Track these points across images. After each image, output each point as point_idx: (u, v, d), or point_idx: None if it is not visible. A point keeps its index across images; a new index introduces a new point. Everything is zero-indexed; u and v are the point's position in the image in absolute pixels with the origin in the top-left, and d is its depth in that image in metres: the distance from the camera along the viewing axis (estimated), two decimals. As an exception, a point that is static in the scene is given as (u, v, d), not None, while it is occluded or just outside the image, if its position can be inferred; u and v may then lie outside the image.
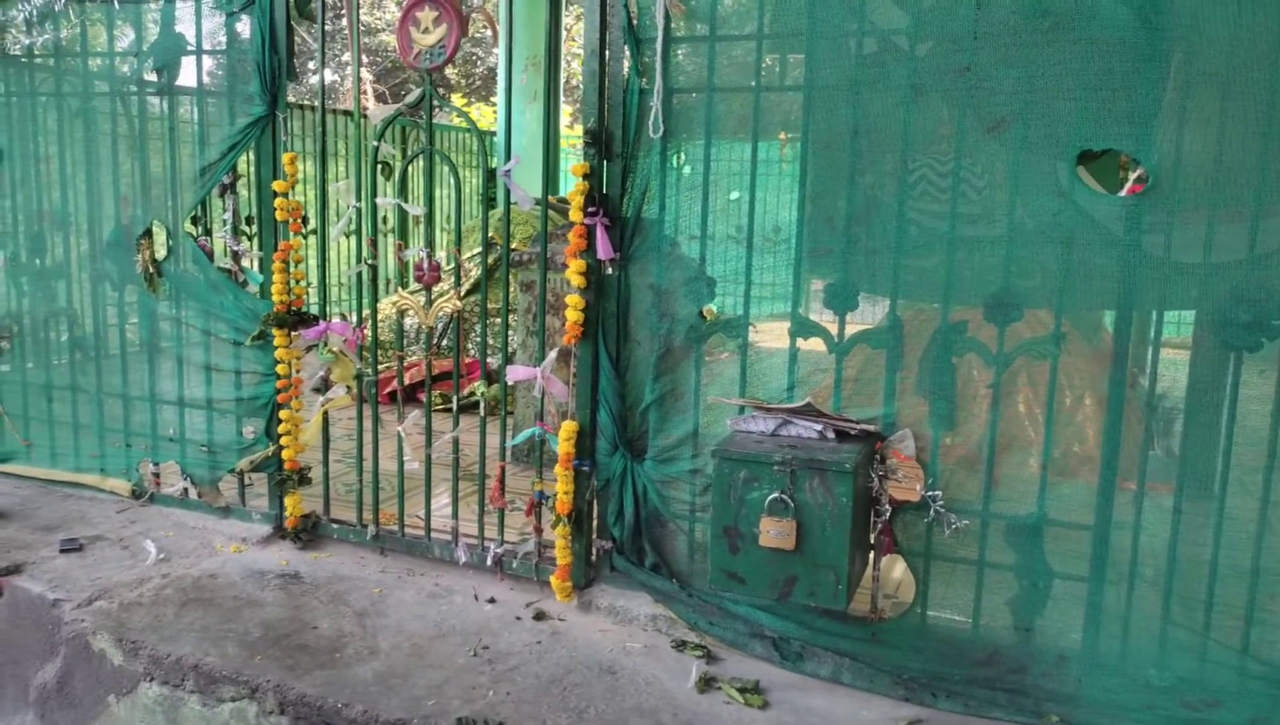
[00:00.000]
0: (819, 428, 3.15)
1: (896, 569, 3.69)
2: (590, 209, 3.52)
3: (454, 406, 3.97)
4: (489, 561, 3.94)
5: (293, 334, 4.18)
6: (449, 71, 24.30)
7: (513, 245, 6.76)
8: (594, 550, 3.79)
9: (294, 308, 4.19)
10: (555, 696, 3.14)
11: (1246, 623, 2.94)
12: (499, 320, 5.43)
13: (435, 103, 3.91)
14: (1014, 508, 3.17)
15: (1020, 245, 3.04)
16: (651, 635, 3.57)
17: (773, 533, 2.99)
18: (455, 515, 4.05)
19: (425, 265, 3.91)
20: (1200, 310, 2.92)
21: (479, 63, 23.18)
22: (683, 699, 3.15)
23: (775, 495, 2.99)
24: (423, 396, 4.29)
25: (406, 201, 4.01)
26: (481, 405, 3.93)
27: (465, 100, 18.97)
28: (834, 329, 3.31)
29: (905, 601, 3.41)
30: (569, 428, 3.63)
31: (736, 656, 3.43)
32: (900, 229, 3.17)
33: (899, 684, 3.20)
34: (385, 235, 7.31)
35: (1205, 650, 2.99)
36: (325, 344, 4.11)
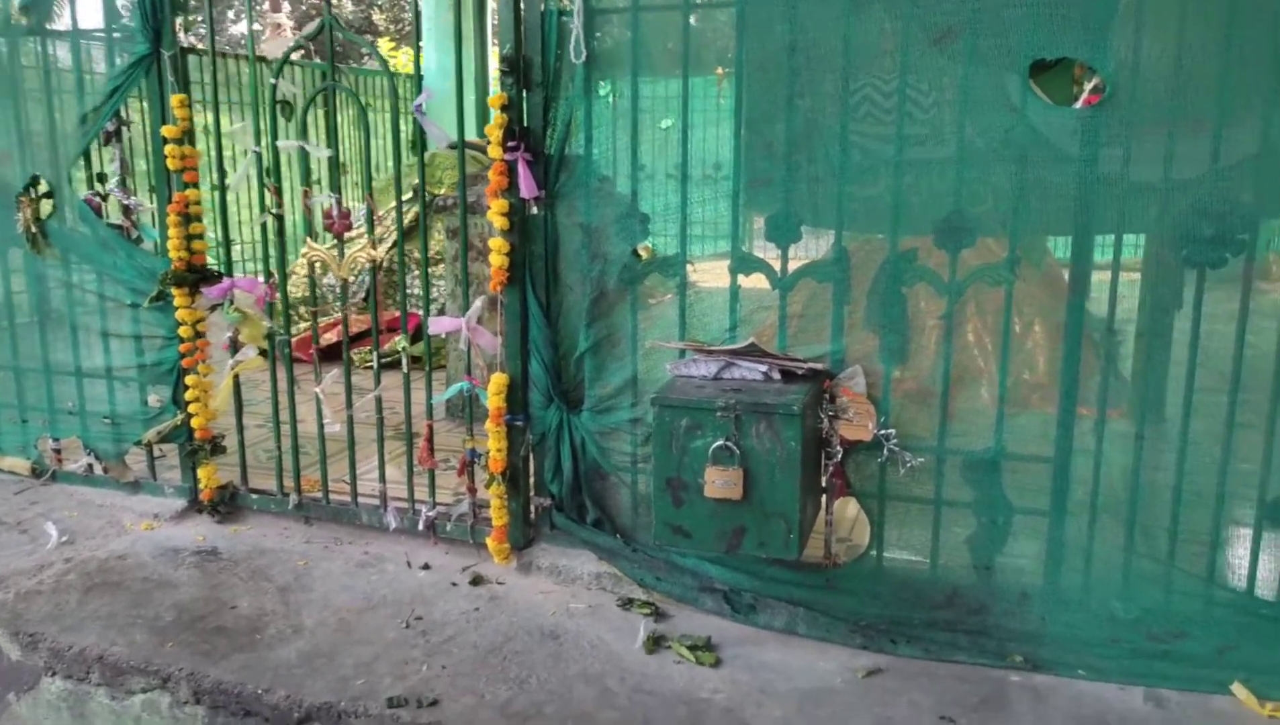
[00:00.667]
0: (764, 369, 2.96)
1: (850, 512, 3.55)
2: (510, 144, 3.25)
3: (375, 363, 3.70)
4: (421, 526, 3.71)
5: (195, 293, 3.85)
6: (376, 18, 23.40)
7: (441, 191, 6.42)
8: (532, 508, 3.58)
9: (194, 265, 3.85)
10: (494, 667, 2.94)
11: (1212, 549, 2.84)
12: (430, 270, 5.11)
13: (337, 33, 3.57)
14: (970, 442, 3.02)
15: (971, 166, 2.85)
16: (596, 594, 3.38)
17: (718, 482, 2.80)
18: (383, 478, 3.80)
19: (335, 213, 3.61)
20: (1161, 226, 2.77)
21: (406, 8, 22.33)
22: (630, 661, 2.97)
23: (719, 443, 2.80)
24: (350, 354, 4.01)
25: (312, 144, 3.68)
26: (404, 361, 3.67)
27: (394, 45, 18.26)
28: (777, 264, 3.10)
29: (860, 545, 3.26)
30: (499, 381, 3.39)
31: (686, 612, 3.26)
32: (844, 154, 2.96)
33: (856, 632, 3.06)
34: (311, 186, 6.90)
35: (1170, 580, 2.89)
36: (231, 303, 3.79)
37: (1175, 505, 2.85)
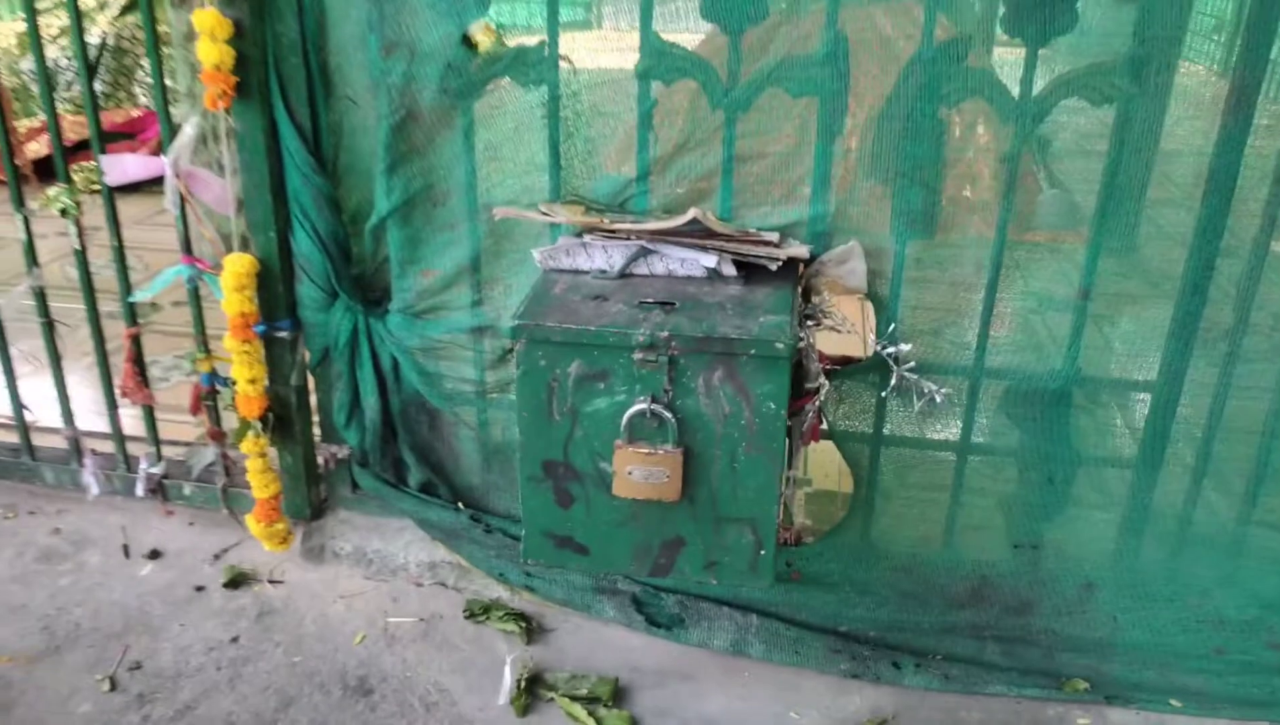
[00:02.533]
0: (708, 259, 1.67)
1: (823, 463, 2.41)
2: None
3: (25, 225, 2.18)
4: (141, 489, 2.34)
5: None
6: None
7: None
8: (321, 461, 2.27)
9: None
10: (258, 783, 1.73)
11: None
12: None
13: None
14: (1028, 360, 1.88)
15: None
16: (430, 597, 2.17)
17: (638, 473, 1.57)
18: (67, 415, 2.37)
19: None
20: None
21: None
22: (493, 737, 1.82)
23: (640, 406, 1.54)
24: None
25: None
26: (74, 232, 2.17)
27: None
28: (720, 59, 1.75)
29: (836, 513, 2.15)
30: (239, 266, 1.97)
31: (574, 625, 2.10)
32: None
33: (839, 650, 1.99)
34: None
35: (1299, 558, 1.93)
36: None
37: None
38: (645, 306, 1.58)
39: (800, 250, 1.72)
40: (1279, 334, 1.80)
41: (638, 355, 1.52)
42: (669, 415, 1.54)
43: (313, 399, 2.21)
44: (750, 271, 1.71)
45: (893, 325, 1.86)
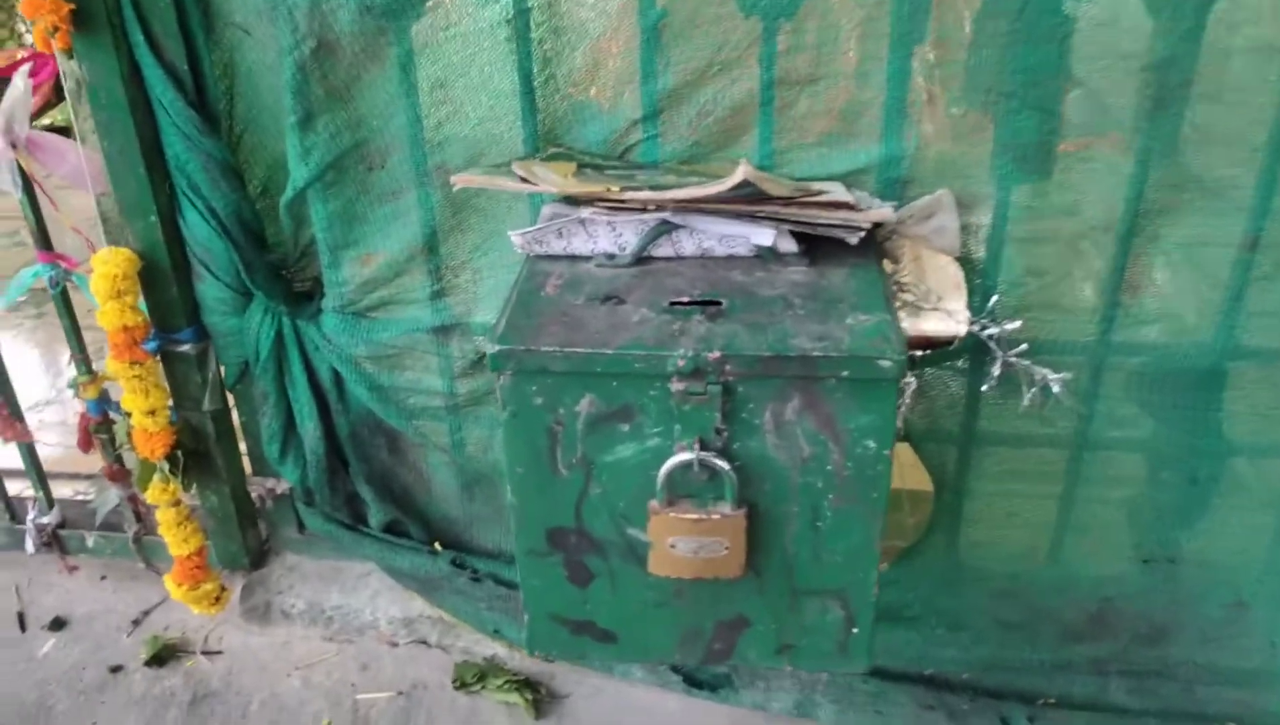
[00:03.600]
0: (763, 235, 1.18)
1: (898, 467, 1.96)
2: None
3: None
4: (30, 544, 1.87)
5: None
6: None
7: None
8: (256, 497, 1.80)
9: None
10: None
11: None
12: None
13: None
14: (1167, 334, 1.43)
15: None
16: (408, 661, 1.73)
17: (685, 547, 1.12)
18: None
19: None
20: None
21: None
22: None
23: (684, 456, 1.07)
24: None
25: None
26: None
27: None
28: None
29: (914, 527, 1.71)
30: (113, 262, 1.46)
31: (591, 685, 1.67)
32: None
33: (933, 707, 1.58)
34: None
35: None
36: None
37: None
38: (679, 310, 1.11)
39: (884, 211, 1.24)
40: None
41: (677, 385, 1.04)
42: (725, 465, 1.07)
43: (239, 421, 1.73)
44: (812, 242, 1.23)
45: (994, 297, 1.40)
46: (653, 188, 1.20)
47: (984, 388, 1.44)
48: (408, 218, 1.47)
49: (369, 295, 1.53)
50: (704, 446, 1.07)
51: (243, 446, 1.75)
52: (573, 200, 1.31)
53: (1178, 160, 1.33)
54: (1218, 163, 1.32)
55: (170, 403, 1.60)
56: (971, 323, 1.40)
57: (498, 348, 1.05)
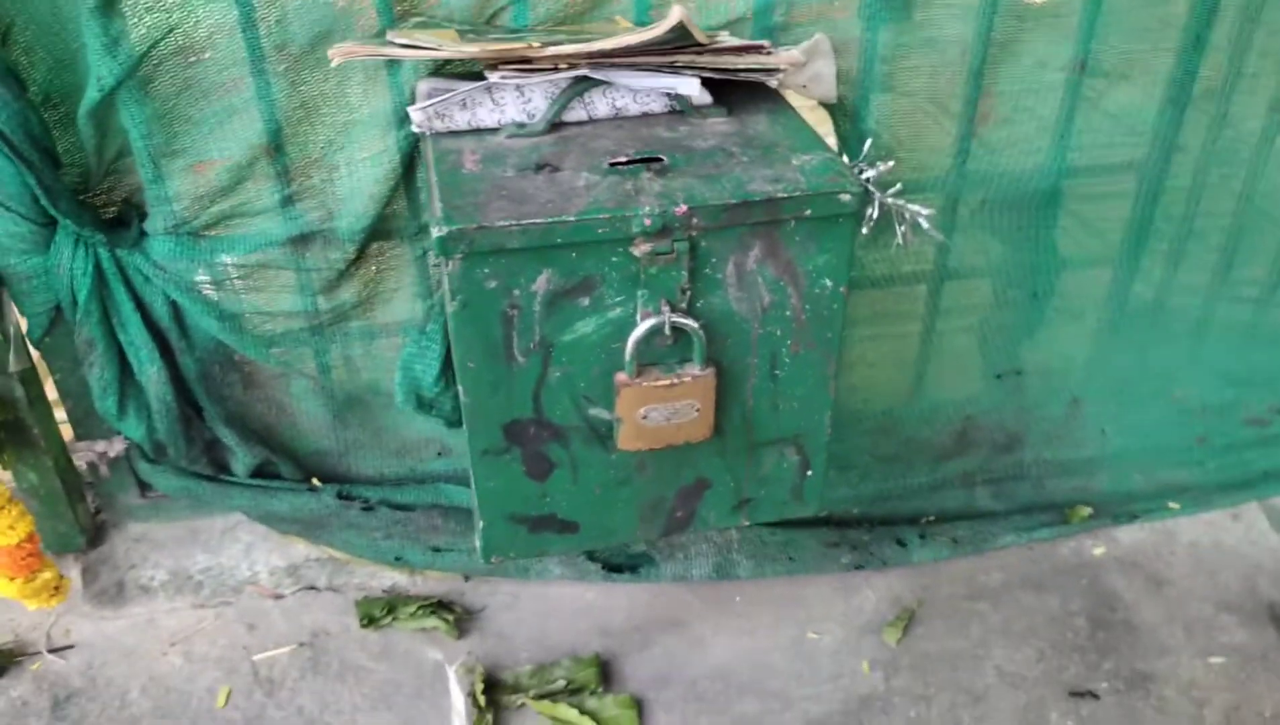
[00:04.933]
0: (687, 84, 1.13)
1: None
2: None
3: None
4: None
5: None
6: None
7: None
8: (87, 466, 1.55)
9: None
10: None
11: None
12: None
13: None
14: (1012, 159, 1.55)
15: None
16: (300, 610, 1.59)
17: (658, 415, 1.08)
18: None
19: None
20: None
21: None
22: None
23: (652, 320, 1.03)
24: None
25: None
26: None
27: None
28: None
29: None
30: None
31: (505, 594, 1.62)
32: None
33: (836, 544, 1.67)
34: None
35: (1265, 325, 1.81)
36: None
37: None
38: (623, 171, 1.04)
39: (794, 54, 1.23)
40: (1265, 86, 1.57)
41: (642, 247, 0.99)
42: (694, 324, 1.04)
43: (54, 379, 1.47)
44: (718, 92, 1.19)
45: (868, 141, 1.44)
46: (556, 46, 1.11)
47: (863, 231, 1.49)
48: (246, 114, 1.28)
49: (206, 210, 1.33)
50: (673, 309, 1.04)
51: (59, 413, 1.49)
52: (455, 72, 1.20)
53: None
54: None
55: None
56: (850, 167, 1.44)
57: (446, 230, 0.95)
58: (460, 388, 1.05)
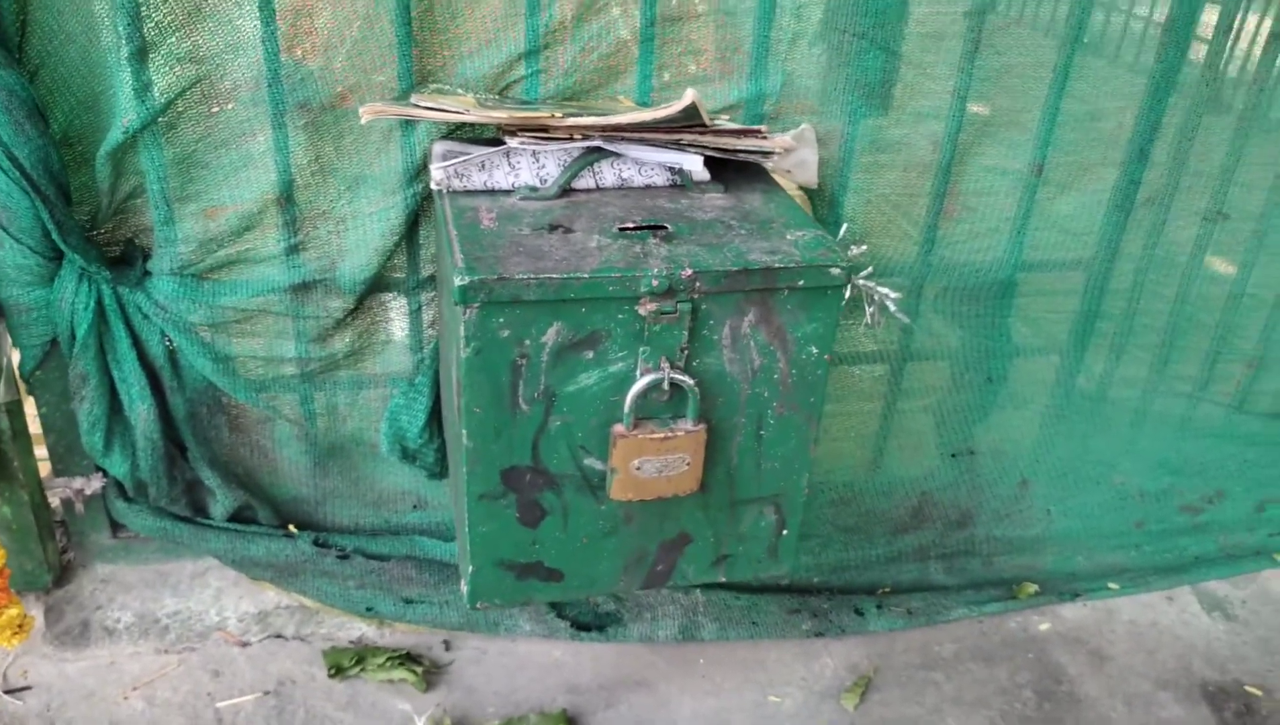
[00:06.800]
0: (691, 160, 1.22)
1: None
2: None
3: None
4: None
5: None
6: None
7: None
8: (61, 503, 1.54)
9: None
10: None
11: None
12: None
13: None
14: (976, 252, 1.66)
15: None
16: (267, 658, 1.58)
17: (651, 468, 1.14)
18: None
19: None
20: None
21: None
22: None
23: (652, 376, 1.10)
24: None
25: None
26: None
27: None
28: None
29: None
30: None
31: (473, 648, 1.63)
32: None
33: (798, 610, 1.72)
34: None
35: (1198, 419, 1.94)
36: None
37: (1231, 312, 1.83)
38: (631, 235, 1.12)
39: (786, 139, 1.33)
40: (1198, 199, 1.72)
41: (648, 306, 1.06)
42: (690, 381, 1.11)
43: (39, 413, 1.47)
44: (716, 170, 1.29)
45: (845, 225, 1.54)
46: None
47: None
48: (261, 164, 1.34)
49: (213, 254, 1.38)
50: (671, 366, 1.10)
51: (39, 448, 1.49)
52: (467, 136, 1.28)
53: (988, 96, 1.55)
54: (1017, 98, 1.55)
55: (-49, 397, 1.34)
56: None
57: (468, 280, 1.01)
58: (464, 432, 1.10)
